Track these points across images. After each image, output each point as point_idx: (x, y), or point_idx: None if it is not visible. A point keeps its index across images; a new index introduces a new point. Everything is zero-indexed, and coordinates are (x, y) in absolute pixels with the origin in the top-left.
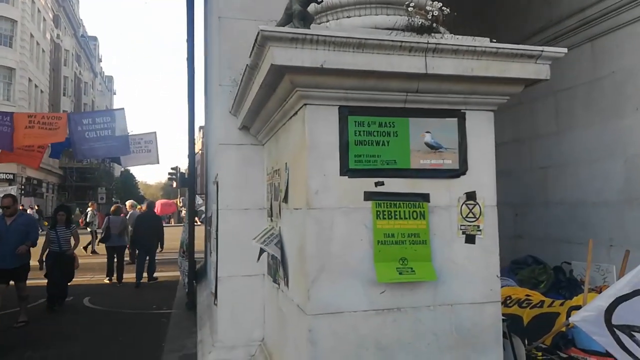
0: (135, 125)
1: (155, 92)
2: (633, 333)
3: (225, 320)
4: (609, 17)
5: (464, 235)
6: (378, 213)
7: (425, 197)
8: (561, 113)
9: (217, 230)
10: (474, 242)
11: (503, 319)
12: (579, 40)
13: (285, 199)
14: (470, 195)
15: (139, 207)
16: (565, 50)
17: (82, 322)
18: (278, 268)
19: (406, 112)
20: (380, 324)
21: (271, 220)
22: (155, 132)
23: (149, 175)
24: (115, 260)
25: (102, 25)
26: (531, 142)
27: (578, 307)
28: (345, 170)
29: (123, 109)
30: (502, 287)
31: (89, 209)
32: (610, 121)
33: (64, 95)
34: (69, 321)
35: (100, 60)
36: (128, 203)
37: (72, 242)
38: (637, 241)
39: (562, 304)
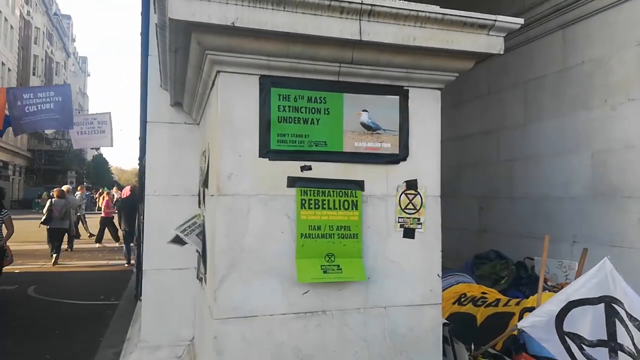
0: (111, 109)
1: (134, 73)
2: (583, 346)
3: (150, 317)
4: (580, 3)
5: (402, 229)
6: (303, 202)
7: (359, 185)
8: (530, 104)
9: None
10: (413, 237)
11: (445, 323)
12: (551, 28)
13: (206, 184)
14: (411, 184)
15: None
16: (521, 21)
17: (20, 314)
18: (199, 262)
19: (340, 87)
20: (301, 330)
21: (199, 208)
22: (109, 113)
23: (124, 161)
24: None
25: (77, 4)
26: (499, 133)
27: (532, 309)
28: (266, 151)
29: (69, 85)
30: (457, 283)
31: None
32: (578, 113)
33: (34, 74)
34: (7, 312)
35: (74, 40)
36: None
37: (5, 231)
38: (601, 238)
39: (517, 304)
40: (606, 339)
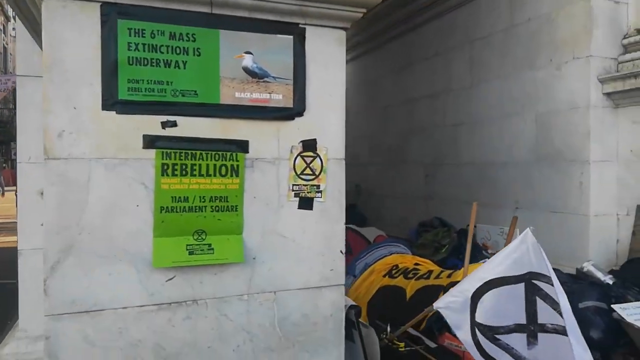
0: None
1: None
2: (497, 336)
3: (28, 305)
4: None
5: (298, 199)
6: (165, 167)
7: (241, 146)
8: (476, 64)
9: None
10: (311, 208)
11: (352, 306)
12: None
13: None
14: (309, 145)
15: None
16: None
17: None
18: None
19: (214, 21)
20: (164, 324)
21: None
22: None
23: None
24: None
25: None
26: (445, 97)
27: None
28: (112, 102)
29: None
30: (391, 254)
31: None
32: (524, 74)
33: None
34: None
35: None
36: None
37: None
38: (544, 203)
39: (449, 276)
40: (525, 322)
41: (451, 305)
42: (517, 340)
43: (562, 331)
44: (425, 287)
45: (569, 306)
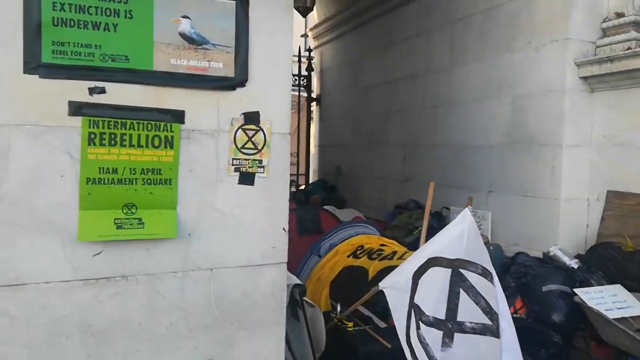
0: None
1: None
2: (421, 323)
3: None
4: None
5: (238, 174)
6: (92, 136)
7: (176, 116)
8: (456, 46)
9: None
10: (252, 184)
11: (296, 285)
12: None
13: None
14: (251, 117)
15: None
16: None
17: None
18: None
19: None
20: (91, 300)
21: None
22: None
23: None
24: None
25: None
26: (425, 78)
27: None
28: (35, 65)
29: None
30: (358, 234)
31: None
32: (502, 56)
33: None
34: None
35: None
36: None
37: None
38: (516, 187)
39: None
40: (444, 318)
41: (395, 284)
42: (433, 338)
43: (480, 331)
44: (388, 268)
45: (508, 310)
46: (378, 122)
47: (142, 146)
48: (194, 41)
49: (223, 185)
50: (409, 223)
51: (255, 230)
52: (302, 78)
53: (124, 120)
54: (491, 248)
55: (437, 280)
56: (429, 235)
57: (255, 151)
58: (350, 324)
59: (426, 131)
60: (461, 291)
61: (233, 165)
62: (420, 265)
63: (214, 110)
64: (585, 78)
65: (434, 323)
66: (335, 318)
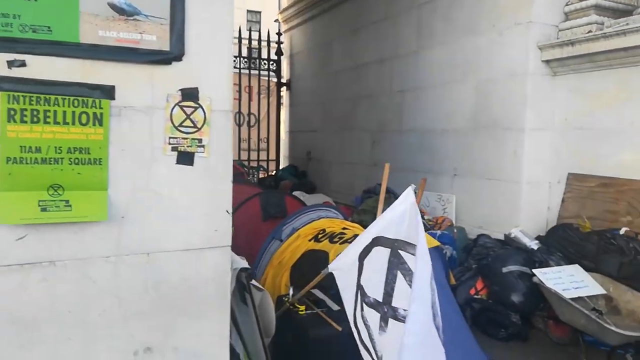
0: None
1: None
2: (364, 304)
3: None
4: None
5: (176, 153)
6: (12, 112)
7: (106, 92)
8: (423, 30)
9: None
10: (191, 164)
11: (243, 268)
12: None
13: None
14: (189, 94)
15: None
16: None
17: None
18: None
19: None
20: (15, 287)
21: None
22: None
23: None
24: None
25: None
26: (392, 62)
27: None
28: None
29: None
30: (320, 218)
31: None
32: (467, 40)
33: None
34: None
35: None
36: None
37: None
38: (480, 171)
39: None
40: (381, 300)
41: (342, 266)
42: (373, 319)
43: None
44: None
45: (429, 294)
46: (347, 107)
47: (68, 123)
48: (124, 11)
49: (159, 165)
50: (375, 207)
51: (196, 212)
52: (271, 62)
53: (47, 96)
54: (455, 231)
55: (378, 260)
56: None
57: (195, 130)
58: (302, 308)
59: (394, 116)
60: (398, 274)
61: (170, 144)
62: (366, 246)
63: (148, 85)
64: (547, 62)
65: (374, 305)
66: (287, 302)
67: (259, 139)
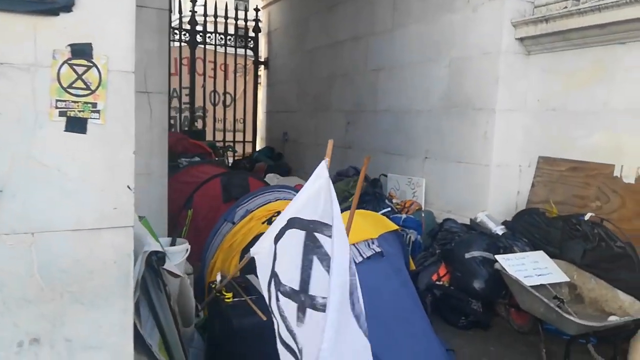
0: None
1: None
2: (279, 294)
3: None
4: None
5: (65, 119)
6: None
7: None
8: (399, 5)
9: None
10: (84, 131)
11: (154, 252)
12: None
13: None
14: (81, 51)
15: None
16: None
17: None
18: None
19: None
20: None
21: None
22: None
23: None
24: None
25: None
26: (368, 40)
27: None
28: None
29: None
30: (277, 200)
31: None
32: (442, 17)
33: None
34: None
35: None
36: None
37: None
38: (452, 153)
39: None
40: (298, 289)
41: (262, 250)
42: (290, 310)
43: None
44: None
45: (346, 281)
46: (323, 87)
47: None
48: None
49: (44, 132)
50: (346, 190)
51: (90, 186)
52: (248, 39)
53: None
54: (423, 215)
55: (292, 244)
56: (361, 202)
57: (88, 92)
58: (229, 295)
59: (368, 96)
60: (315, 259)
61: (57, 108)
62: (281, 228)
63: (30, 40)
64: (521, 39)
65: (290, 294)
66: (214, 288)
67: (234, 119)
